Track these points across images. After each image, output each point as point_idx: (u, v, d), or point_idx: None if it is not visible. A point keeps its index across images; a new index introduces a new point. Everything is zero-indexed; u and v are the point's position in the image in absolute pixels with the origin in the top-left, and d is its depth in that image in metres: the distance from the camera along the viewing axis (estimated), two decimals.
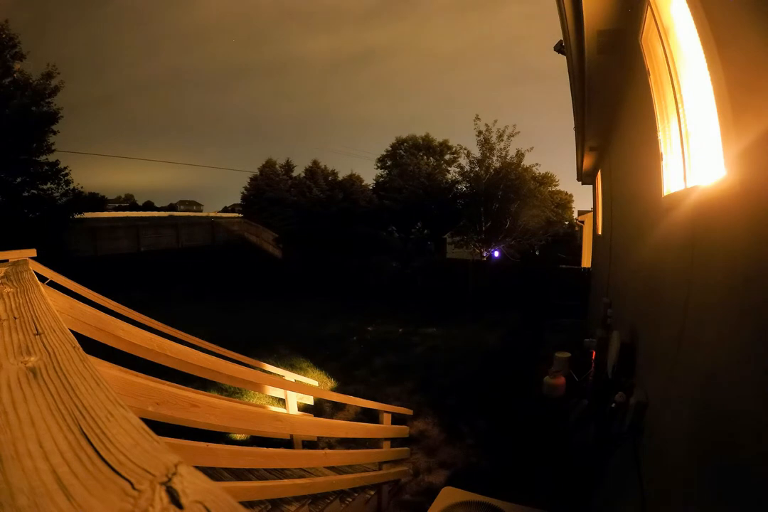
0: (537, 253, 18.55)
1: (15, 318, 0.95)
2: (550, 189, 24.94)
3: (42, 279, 1.86)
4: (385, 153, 28.75)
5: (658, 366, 1.88)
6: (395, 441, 3.80)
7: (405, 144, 27.69)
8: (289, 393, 3.66)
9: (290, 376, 4.32)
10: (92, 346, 1.31)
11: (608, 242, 5.16)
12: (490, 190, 14.54)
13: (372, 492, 3.29)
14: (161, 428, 1.61)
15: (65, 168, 13.33)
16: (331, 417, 4.93)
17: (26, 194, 12.66)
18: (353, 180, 24.30)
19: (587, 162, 6.70)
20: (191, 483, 0.35)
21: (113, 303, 2.53)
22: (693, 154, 1.71)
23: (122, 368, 2.18)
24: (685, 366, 1.52)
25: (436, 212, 18.10)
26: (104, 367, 1.83)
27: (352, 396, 3.40)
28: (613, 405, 2.17)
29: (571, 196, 29.96)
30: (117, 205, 61.35)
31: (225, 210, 50.00)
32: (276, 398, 4.26)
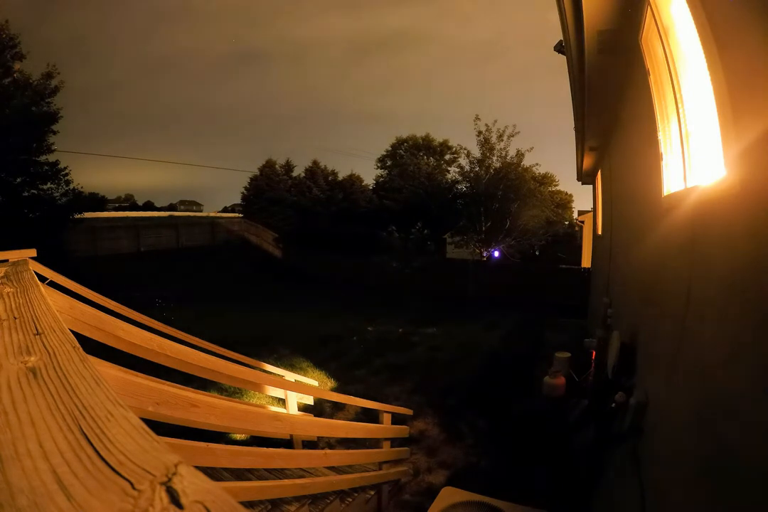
0: (537, 252, 18.55)
1: (15, 318, 0.95)
2: (550, 189, 24.95)
3: (42, 279, 1.86)
4: (385, 153, 28.81)
5: (658, 367, 1.88)
6: (395, 441, 3.79)
7: (405, 144, 27.72)
8: (289, 393, 3.66)
9: (290, 376, 4.32)
10: (92, 346, 1.31)
11: (608, 242, 5.16)
12: (490, 190, 14.56)
13: (372, 492, 3.29)
14: (161, 428, 1.61)
15: (65, 168, 13.35)
16: (331, 417, 4.93)
17: (26, 194, 12.67)
18: (353, 180, 24.33)
19: (587, 162, 6.70)
20: (191, 483, 0.35)
21: (113, 303, 2.52)
22: (693, 154, 1.71)
23: (122, 368, 2.18)
24: (685, 367, 1.52)
25: (436, 212, 18.10)
26: (104, 367, 1.82)
27: (352, 396, 3.40)
28: (613, 405, 2.17)
29: (571, 196, 30.00)
30: (117, 205, 61.47)
31: (225, 210, 50.09)
32: (276, 398, 4.26)
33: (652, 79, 2.18)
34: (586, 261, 13.41)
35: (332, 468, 3.08)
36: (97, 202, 16.90)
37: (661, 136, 2.11)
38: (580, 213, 18.90)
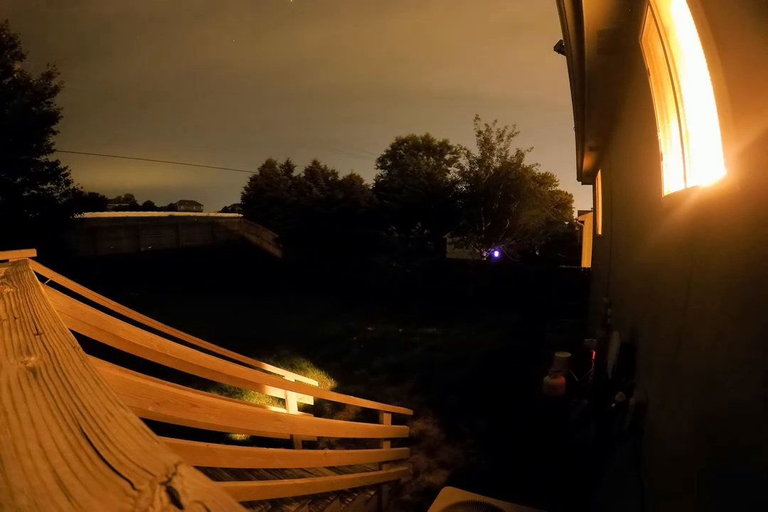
0: (537, 252, 18.54)
1: (15, 318, 0.95)
2: (550, 189, 24.92)
3: (42, 279, 1.86)
4: (384, 153, 28.77)
5: (658, 367, 1.88)
6: (395, 441, 3.79)
7: (405, 144, 27.70)
8: (289, 393, 3.66)
9: (290, 376, 4.32)
10: (92, 346, 1.31)
11: (608, 242, 5.16)
12: (490, 190, 14.54)
13: (372, 492, 3.29)
14: (161, 428, 1.61)
15: (65, 168, 13.34)
16: (331, 417, 4.93)
17: (26, 194, 12.66)
18: (353, 180, 24.32)
19: (587, 162, 6.70)
20: (191, 483, 0.35)
21: (113, 303, 2.52)
22: (693, 154, 1.71)
23: (122, 368, 2.18)
24: (685, 367, 1.52)
25: (436, 212, 18.09)
26: (104, 367, 1.83)
27: (352, 396, 3.40)
28: (613, 405, 2.17)
29: (571, 196, 29.96)
30: (117, 205, 61.51)
31: (225, 210, 50.12)
32: (276, 398, 4.26)
33: (652, 79, 2.18)
34: (586, 262, 13.41)
35: (332, 468, 3.08)
36: (97, 202, 16.89)
37: (661, 136, 2.11)
38: (580, 213, 18.88)
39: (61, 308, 1.59)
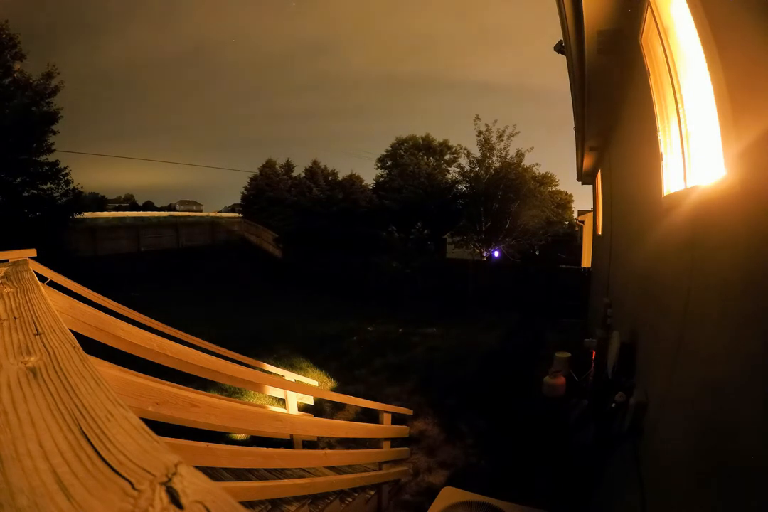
0: (537, 252, 18.53)
1: (15, 318, 0.95)
2: (550, 189, 24.94)
3: (42, 279, 1.86)
4: (385, 153, 28.76)
5: (658, 367, 1.88)
6: (395, 441, 3.79)
7: (405, 144, 27.69)
8: (289, 393, 3.66)
9: (290, 376, 4.32)
10: (92, 346, 1.31)
11: (608, 242, 5.16)
12: (490, 190, 14.56)
13: (372, 492, 3.29)
14: (161, 428, 1.61)
15: (65, 168, 13.34)
16: (331, 417, 4.93)
17: (26, 194, 12.67)
18: (353, 180, 24.33)
19: (587, 162, 6.70)
20: (191, 483, 0.35)
21: (113, 303, 2.52)
22: (693, 154, 1.71)
23: (122, 368, 2.18)
24: (684, 368, 1.52)
25: (436, 212, 18.10)
26: (104, 367, 1.83)
27: (352, 396, 3.40)
28: (613, 405, 2.17)
29: (571, 196, 29.95)
30: (117, 205, 61.50)
31: (225, 210, 50.16)
32: (276, 398, 4.26)
33: (652, 79, 2.18)
34: (586, 262, 13.40)
35: (332, 468, 3.08)
36: (97, 201, 16.96)
37: (661, 136, 2.11)
38: (580, 213, 18.86)
39: (61, 308, 1.59)
